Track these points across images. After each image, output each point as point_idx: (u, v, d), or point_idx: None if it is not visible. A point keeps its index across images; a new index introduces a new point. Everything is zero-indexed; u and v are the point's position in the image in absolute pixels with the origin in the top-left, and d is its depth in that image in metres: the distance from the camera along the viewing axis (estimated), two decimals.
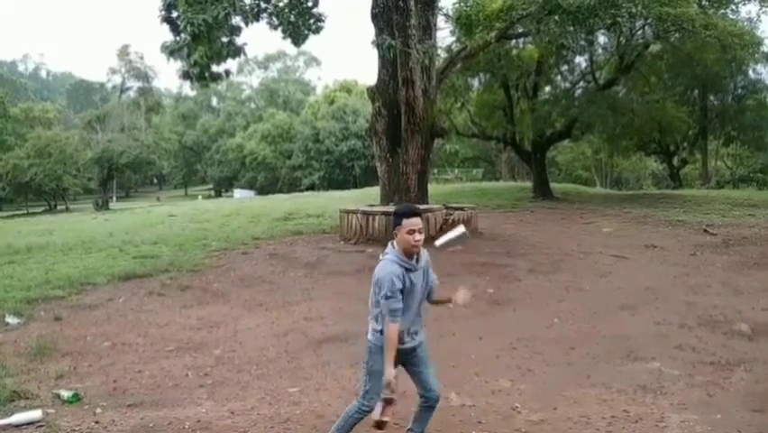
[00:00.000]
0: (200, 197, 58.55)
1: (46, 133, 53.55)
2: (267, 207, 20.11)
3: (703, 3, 16.56)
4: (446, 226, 12.20)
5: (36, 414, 4.40)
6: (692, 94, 27.75)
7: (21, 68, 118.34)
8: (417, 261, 3.56)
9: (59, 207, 55.33)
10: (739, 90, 27.98)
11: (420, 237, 3.48)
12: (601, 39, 21.12)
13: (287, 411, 4.65)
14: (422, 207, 12.16)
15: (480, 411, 4.63)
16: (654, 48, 20.72)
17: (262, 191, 54.60)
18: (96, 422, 4.41)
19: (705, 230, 13.51)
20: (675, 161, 32.43)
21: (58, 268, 9.99)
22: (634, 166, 41.02)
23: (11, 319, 7.02)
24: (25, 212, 53.30)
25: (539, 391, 5.02)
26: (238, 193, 56.54)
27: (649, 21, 15.32)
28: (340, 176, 55.82)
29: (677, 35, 16.30)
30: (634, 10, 13.03)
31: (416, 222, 3.48)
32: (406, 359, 3.73)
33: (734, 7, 18.84)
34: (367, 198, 18.77)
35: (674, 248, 11.67)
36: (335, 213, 13.71)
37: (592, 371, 5.49)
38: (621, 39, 19.47)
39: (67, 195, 56.59)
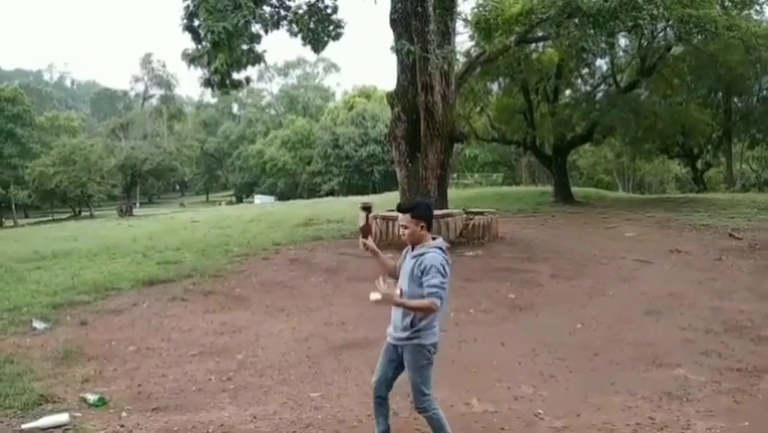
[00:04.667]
0: (223, 203, 59.13)
1: (71, 141, 54.38)
2: (287, 213, 20.24)
3: (726, 4, 16.30)
4: (467, 231, 12.18)
5: (63, 418, 4.48)
6: (716, 96, 27.31)
7: (46, 77, 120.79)
8: (412, 249, 3.74)
9: (83, 214, 56.19)
10: (764, 92, 27.41)
11: (402, 231, 3.72)
12: (622, 41, 20.87)
13: (308, 416, 4.67)
14: (442, 211, 12.18)
15: (502, 418, 4.60)
16: (677, 50, 20.44)
17: (282, 197, 54.94)
18: (122, 426, 4.47)
19: (730, 234, 13.28)
20: (699, 164, 31.91)
21: (83, 273, 10.16)
22: (657, 169, 40.44)
23: (38, 324, 7.15)
24: (51, 218, 54.34)
25: (562, 398, 4.97)
26: (258, 199, 56.95)
27: (671, 23, 15.12)
28: (359, 181, 55.91)
29: (700, 37, 16.04)
30: (655, 12, 12.87)
31: (399, 218, 3.73)
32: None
33: (758, 8, 18.50)
34: (387, 203, 18.75)
35: (699, 253, 11.49)
36: (355, 218, 13.74)
37: (616, 377, 5.42)
38: (642, 41, 19.26)
39: (91, 201, 57.41)
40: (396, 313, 3.72)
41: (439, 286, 3.50)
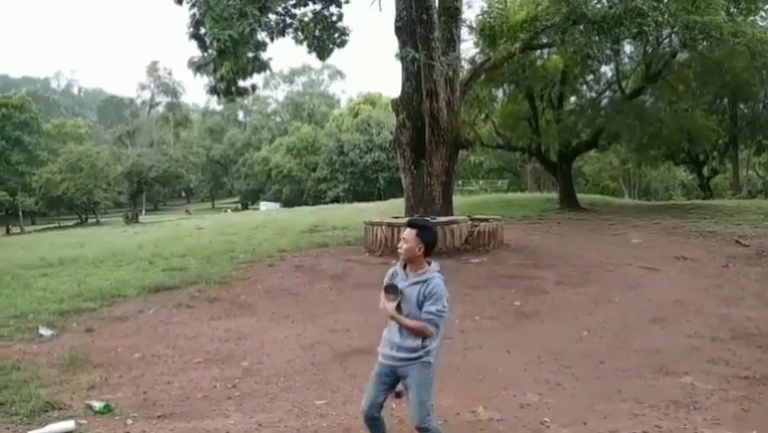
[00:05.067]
0: (228, 210, 59.30)
1: (78, 149, 54.75)
2: (292, 220, 20.27)
3: (731, 10, 16.28)
4: (472, 238, 12.16)
5: (69, 425, 4.48)
6: (722, 102, 27.22)
7: (54, 84, 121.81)
8: (406, 271, 3.72)
9: (89, 221, 56.45)
10: None
11: (401, 244, 3.73)
12: (627, 48, 20.87)
13: (314, 424, 4.66)
14: (446, 218, 12.19)
15: (508, 426, 4.58)
16: (682, 56, 20.41)
17: (288, 204, 55.05)
18: None
19: (737, 241, 13.21)
20: (705, 170, 31.83)
21: (89, 280, 10.19)
22: (662, 176, 40.34)
23: (44, 331, 7.17)
24: (57, 225, 54.59)
25: (568, 406, 4.95)
26: (264, 206, 57.12)
27: (676, 29, 15.09)
28: (364, 188, 55.95)
29: (705, 43, 16.01)
30: (660, 19, 12.87)
31: (405, 232, 3.73)
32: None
33: (763, 14, 18.52)
34: (391, 209, 18.79)
35: (705, 260, 11.44)
36: (360, 225, 13.75)
37: (623, 385, 5.40)
38: (648, 48, 19.26)
39: (97, 208, 57.74)
40: (400, 334, 3.66)
41: (436, 314, 3.54)
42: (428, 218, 11.89)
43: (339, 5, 13.35)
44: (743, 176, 33.91)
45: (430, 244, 3.70)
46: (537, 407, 4.95)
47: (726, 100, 27.04)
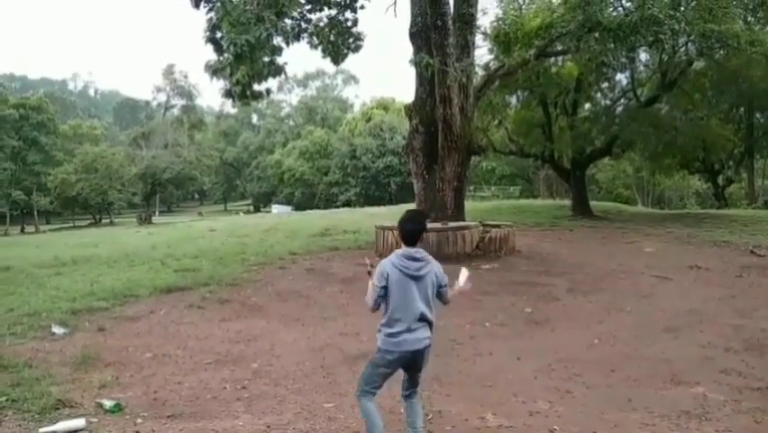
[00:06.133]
0: (241, 212, 59.59)
1: (93, 150, 55.27)
2: (304, 223, 20.32)
3: (749, 19, 16.18)
4: (483, 244, 12.13)
5: (79, 423, 4.52)
6: (738, 111, 27.04)
7: (71, 86, 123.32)
8: None
9: (103, 221, 56.97)
10: None
11: None
12: (643, 56, 20.80)
13: (322, 427, 4.66)
14: (458, 224, 12.18)
15: None
16: (698, 65, 20.28)
17: (300, 207, 55.25)
18: (137, 432, 4.50)
19: (752, 251, 13.06)
20: (720, 179, 31.56)
21: (102, 280, 10.28)
22: (677, 185, 40.04)
23: (57, 329, 7.24)
24: (72, 225, 55.13)
25: (578, 414, 4.91)
26: (276, 209, 57.31)
27: (692, 38, 15.01)
28: (376, 192, 56.04)
29: (721, 52, 15.92)
30: (676, 27, 12.81)
31: None
32: None
33: None
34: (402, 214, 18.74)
35: (719, 269, 11.32)
36: (371, 229, 13.76)
37: (634, 394, 5.35)
38: (663, 56, 19.17)
39: (111, 209, 58.26)
40: None
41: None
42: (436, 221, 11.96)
43: (354, 11, 13.41)
44: (758, 186, 33.57)
45: (403, 232, 4.05)
46: (547, 414, 4.92)
47: (742, 109, 26.87)
